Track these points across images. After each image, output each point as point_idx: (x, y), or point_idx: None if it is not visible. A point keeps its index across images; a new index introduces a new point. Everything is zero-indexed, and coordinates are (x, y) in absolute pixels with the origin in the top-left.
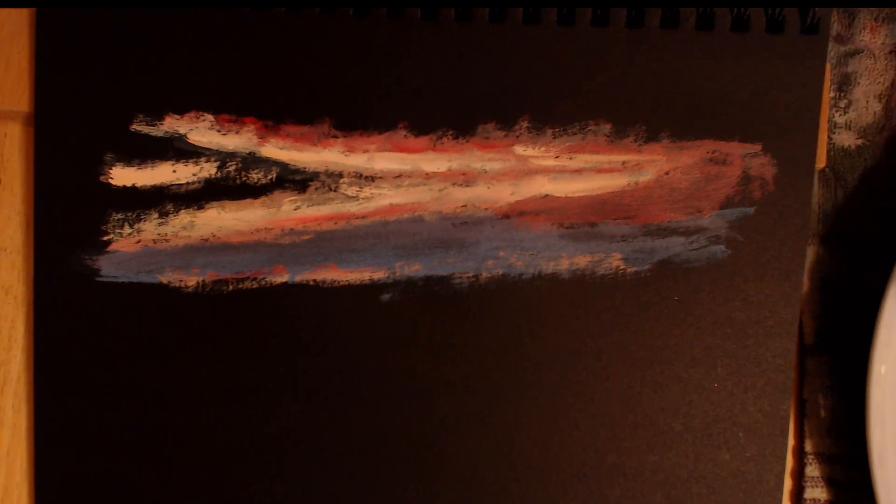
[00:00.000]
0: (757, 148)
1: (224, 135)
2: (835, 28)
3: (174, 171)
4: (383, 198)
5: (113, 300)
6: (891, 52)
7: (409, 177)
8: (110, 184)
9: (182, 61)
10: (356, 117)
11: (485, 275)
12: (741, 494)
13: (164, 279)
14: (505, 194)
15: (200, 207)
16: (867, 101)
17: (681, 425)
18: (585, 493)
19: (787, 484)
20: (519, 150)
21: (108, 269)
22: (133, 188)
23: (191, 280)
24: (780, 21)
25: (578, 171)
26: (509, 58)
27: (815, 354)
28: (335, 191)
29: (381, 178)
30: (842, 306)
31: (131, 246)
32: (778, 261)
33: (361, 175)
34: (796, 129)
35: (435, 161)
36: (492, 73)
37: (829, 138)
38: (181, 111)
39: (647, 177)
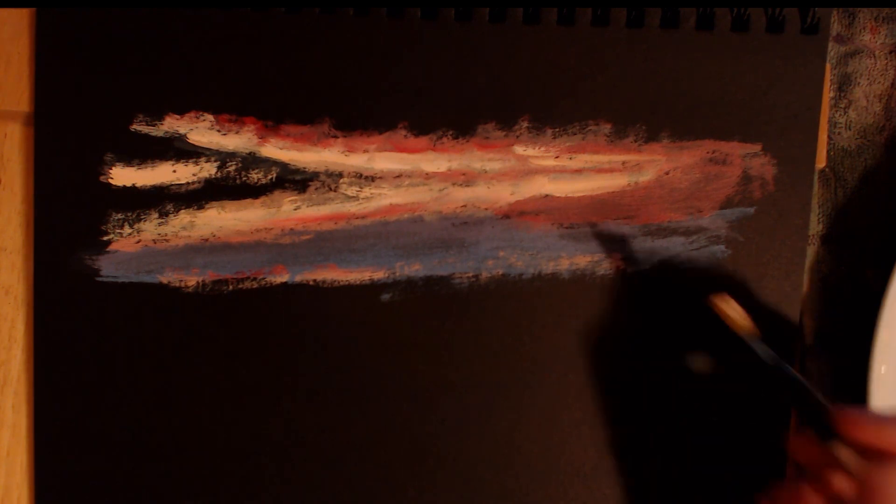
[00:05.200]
0: (757, 148)
1: (224, 135)
2: (835, 28)
3: (174, 171)
4: (383, 198)
5: (113, 300)
6: (891, 52)
7: (409, 177)
8: (110, 184)
9: (182, 61)
10: (356, 117)
11: (485, 275)
12: (742, 494)
13: (164, 279)
14: (505, 194)
15: (200, 207)
16: (867, 101)
17: (681, 425)
18: (585, 493)
19: None
20: (519, 150)
21: (108, 269)
22: (133, 188)
23: (191, 280)
24: (780, 21)
25: (578, 171)
26: (509, 58)
27: (815, 354)
28: (335, 191)
29: (381, 178)
30: (842, 306)
31: (131, 246)
32: (778, 261)
33: (361, 175)
34: (796, 129)
35: (435, 161)
36: (492, 73)
37: (829, 138)
38: (181, 111)
39: (647, 177)
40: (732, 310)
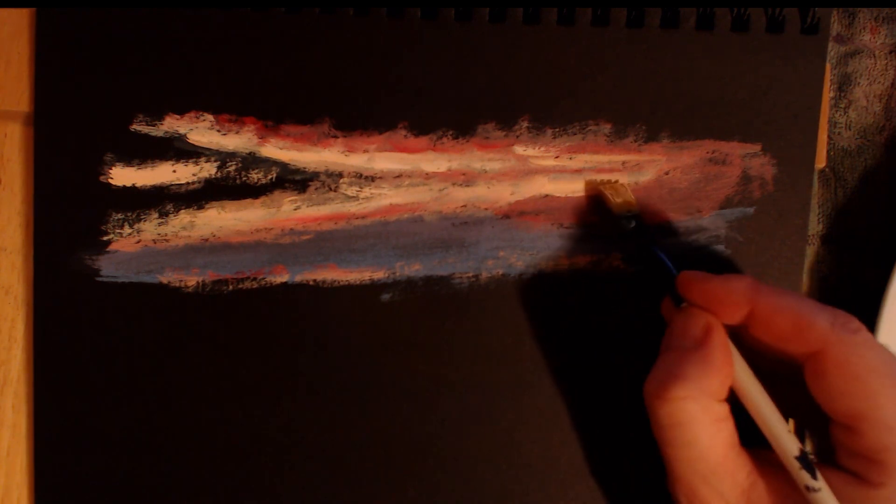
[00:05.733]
0: (756, 148)
1: (224, 135)
2: (835, 28)
3: (174, 171)
4: (383, 198)
5: (113, 300)
6: (891, 52)
7: (409, 177)
8: (110, 184)
9: (182, 61)
10: (356, 117)
11: (485, 275)
12: None
13: (164, 279)
14: (505, 194)
15: (200, 207)
16: (867, 101)
17: None
18: (585, 493)
19: None
20: (519, 150)
21: (108, 269)
22: (133, 188)
23: (191, 280)
24: (780, 21)
25: (578, 171)
26: (509, 58)
27: None
28: (335, 191)
29: (381, 178)
30: (842, 306)
31: (131, 246)
32: (778, 261)
33: (361, 175)
34: (796, 129)
35: (435, 161)
36: (492, 73)
37: (829, 138)
38: (181, 111)
39: (647, 177)
40: (619, 194)
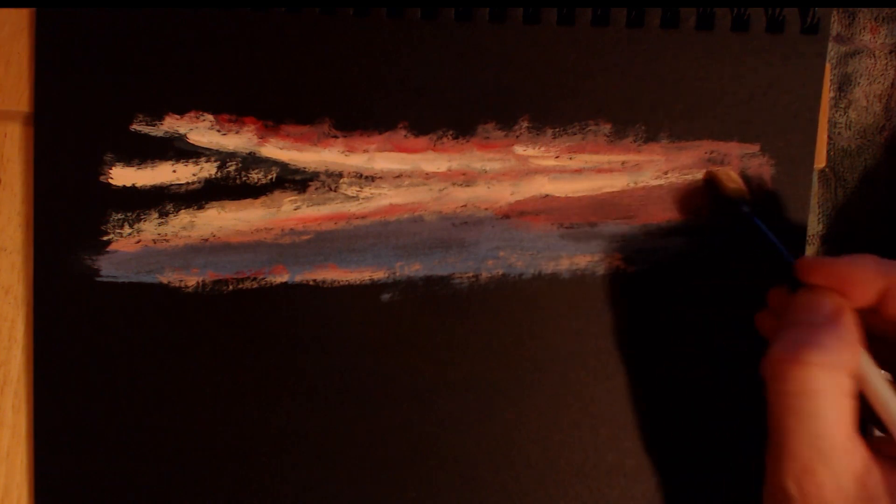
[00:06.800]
0: (755, 148)
1: (224, 135)
2: (835, 28)
3: (174, 171)
4: (383, 198)
5: (113, 300)
6: (891, 52)
7: (409, 177)
8: (110, 184)
9: (182, 61)
10: (356, 117)
11: (485, 275)
12: (745, 495)
13: (164, 279)
14: (505, 194)
15: (200, 207)
16: (867, 101)
17: (681, 425)
18: (585, 493)
19: None
20: (519, 150)
21: (108, 269)
22: (133, 188)
23: (191, 280)
24: (780, 21)
25: (578, 171)
26: (509, 58)
27: None
28: (335, 191)
29: (381, 178)
30: None
31: (131, 246)
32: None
33: (361, 175)
34: (795, 129)
35: (435, 161)
36: (492, 73)
37: (829, 138)
38: (181, 111)
39: (646, 177)
40: (731, 180)
